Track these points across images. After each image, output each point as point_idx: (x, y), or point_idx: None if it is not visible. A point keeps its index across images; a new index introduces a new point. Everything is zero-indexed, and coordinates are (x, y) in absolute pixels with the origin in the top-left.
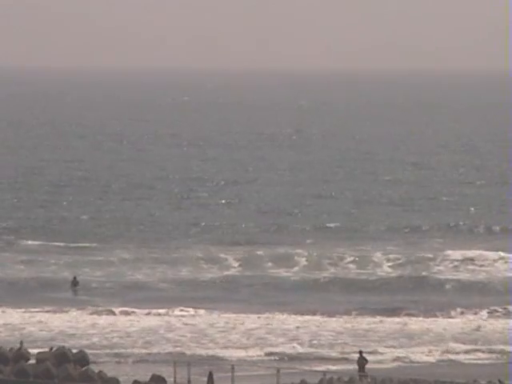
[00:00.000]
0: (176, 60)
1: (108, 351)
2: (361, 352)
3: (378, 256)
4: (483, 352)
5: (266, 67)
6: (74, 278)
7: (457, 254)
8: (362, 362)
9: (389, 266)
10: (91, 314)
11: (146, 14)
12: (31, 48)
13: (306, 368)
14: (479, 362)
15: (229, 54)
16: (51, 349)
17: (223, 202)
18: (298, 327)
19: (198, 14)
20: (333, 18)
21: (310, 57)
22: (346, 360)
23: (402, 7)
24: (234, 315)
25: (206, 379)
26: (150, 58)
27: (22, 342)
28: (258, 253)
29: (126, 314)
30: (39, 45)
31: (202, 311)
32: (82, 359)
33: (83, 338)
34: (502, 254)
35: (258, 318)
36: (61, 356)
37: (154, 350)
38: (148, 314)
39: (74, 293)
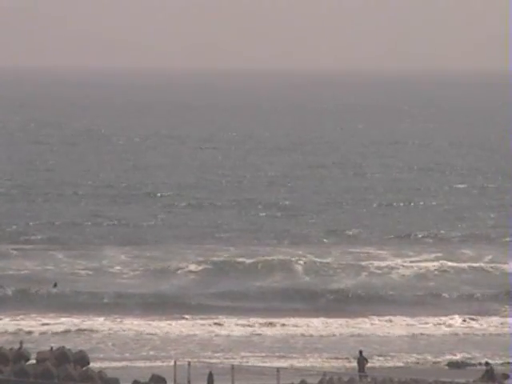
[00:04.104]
0: (175, 61)
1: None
2: (361, 352)
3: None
4: None
5: (265, 67)
6: (55, 284)
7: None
8: (362, 361)
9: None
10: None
11: (144, 18)
12: (25, 49)
13: (306, 368)
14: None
15: (229, 54)
16: (51, 349)
17: (221, 204)
18: None
19: (197, 14)
20: (333, 19)
21: (310, 57)
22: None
23: (401, 8)
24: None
25: (206, 379)
26: (147, 59)
27: (21, 342)
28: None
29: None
30: (34, 46)
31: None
32: (81, 359)
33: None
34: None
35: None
36: (61, 356)
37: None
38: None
39: (53, 295)
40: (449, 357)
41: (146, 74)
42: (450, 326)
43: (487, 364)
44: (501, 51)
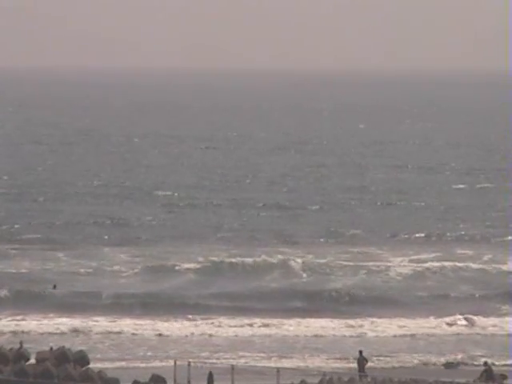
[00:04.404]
0: (175, 61)
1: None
2: (361, 352)
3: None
4: None
5: (265, 67)
6: (54, 286)
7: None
8: (362, 361)
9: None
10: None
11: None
12: (25, 49)
13: (306, 368)
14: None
15: (229, 54)
16: (51, 349)
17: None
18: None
19: (197, 14)
20: (333, 19)
21: (310, 57)
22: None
23: (401, 8)
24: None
25: (206, 379)
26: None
27: (21, 342)
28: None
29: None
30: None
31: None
32: (81, 359)
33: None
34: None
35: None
36: (61, 356)
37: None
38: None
39: (53, 295)
40: (448, 357)
41: (146, 74)
42: (449, 326)
43: (485, 364)
44: (501, 51)
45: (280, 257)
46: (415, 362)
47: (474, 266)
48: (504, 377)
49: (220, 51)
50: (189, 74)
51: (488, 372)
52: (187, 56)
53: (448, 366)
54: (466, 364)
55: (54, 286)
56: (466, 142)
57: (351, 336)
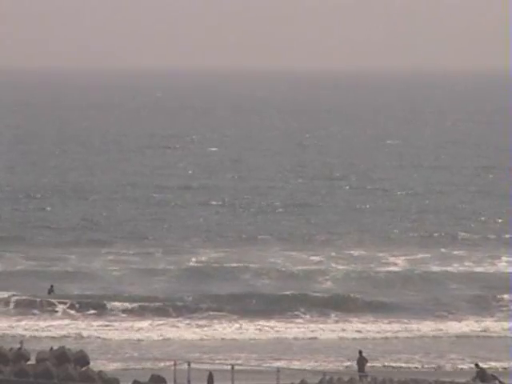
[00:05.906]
0: (175, 61)
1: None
2: (360, 352)
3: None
4: None
5: (265, 67)
6: (51, 286)
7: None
8: (361, 361)
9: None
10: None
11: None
12: (25, 50)
13: (306, 368)
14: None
15: (229, 54)
16: (51, 349)
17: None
18: None
19: (197, 14)
20: (333, 19)
21: (311, 57)
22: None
23: (401, 7)
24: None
25: (205, 380)
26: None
27: (21, 342)
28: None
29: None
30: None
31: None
32: (81, 359)
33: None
34: None
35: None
36: (61, 356)
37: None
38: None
39: (52, 296)
40: (447, 357)
41: (146, 74)
42: (447, 326)
43: (477, 366)
44: (501, 51)
45: (277, 258)
46: (415, 362)
47: (473, 265)
48: (494, 377)
49: (220, 51)
50: (188, 74)
51: (481, 373)
52: (187, 56)
53: (443, 367)
54: (454, 368)
55: (51, 287)
56: (464, 142)
57: (351, 336)
